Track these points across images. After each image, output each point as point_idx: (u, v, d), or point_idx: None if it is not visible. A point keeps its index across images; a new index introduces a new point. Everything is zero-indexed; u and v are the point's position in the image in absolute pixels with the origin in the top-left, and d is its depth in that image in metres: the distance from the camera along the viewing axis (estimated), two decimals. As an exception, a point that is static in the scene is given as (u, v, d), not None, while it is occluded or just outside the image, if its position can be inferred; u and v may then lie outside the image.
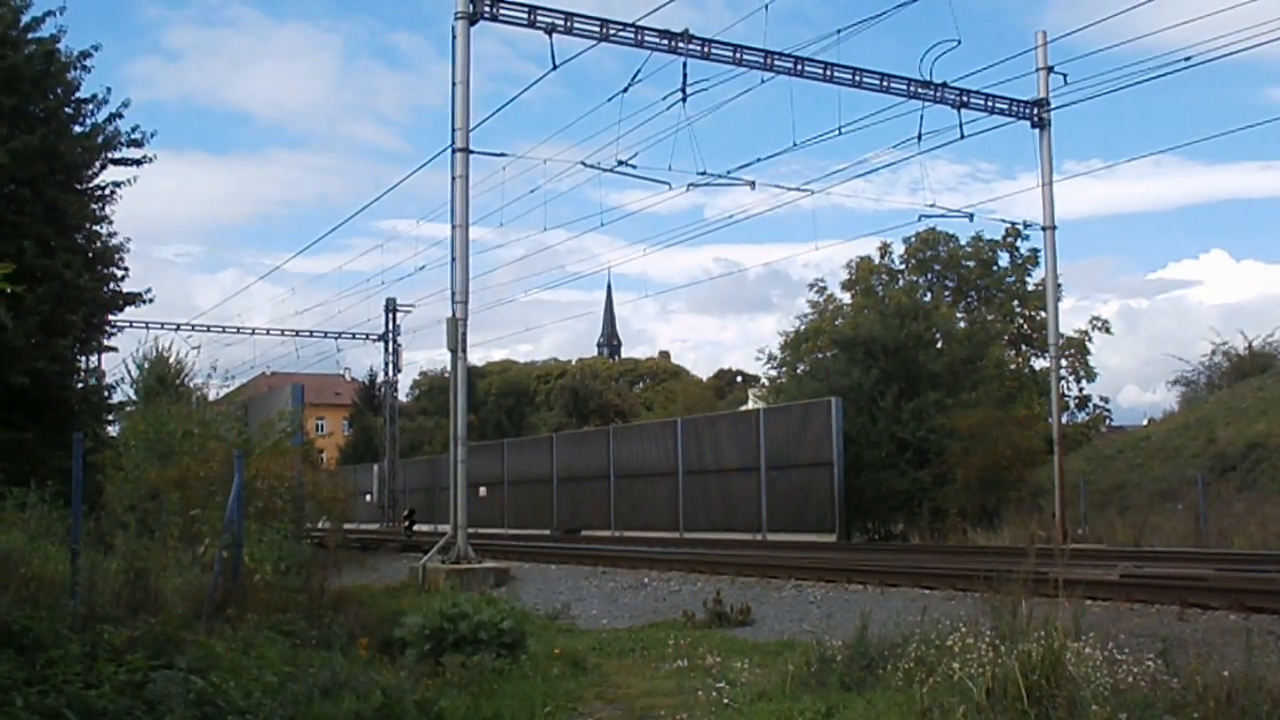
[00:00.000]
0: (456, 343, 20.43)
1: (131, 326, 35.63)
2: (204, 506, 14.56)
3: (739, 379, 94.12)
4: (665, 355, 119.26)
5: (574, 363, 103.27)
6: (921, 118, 23.81)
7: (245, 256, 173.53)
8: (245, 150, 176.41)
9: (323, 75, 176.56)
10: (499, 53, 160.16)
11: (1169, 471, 29.15)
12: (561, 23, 21.18)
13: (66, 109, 23.15)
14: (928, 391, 30.55)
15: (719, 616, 13.38)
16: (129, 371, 27.18)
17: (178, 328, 42.47)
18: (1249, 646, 7.12)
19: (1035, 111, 25.39)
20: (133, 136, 23.84)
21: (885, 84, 23.70)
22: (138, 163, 24.11)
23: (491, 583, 18.88)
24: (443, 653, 9.94)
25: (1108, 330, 48.15)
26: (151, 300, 25.60)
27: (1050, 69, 25.19)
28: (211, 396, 27.59)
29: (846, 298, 45.38)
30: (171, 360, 27.54)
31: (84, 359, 26.34)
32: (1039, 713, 6.29)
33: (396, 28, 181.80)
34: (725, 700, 8.14)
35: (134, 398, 26.19)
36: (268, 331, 46.98)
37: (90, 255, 23.82)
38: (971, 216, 27.85)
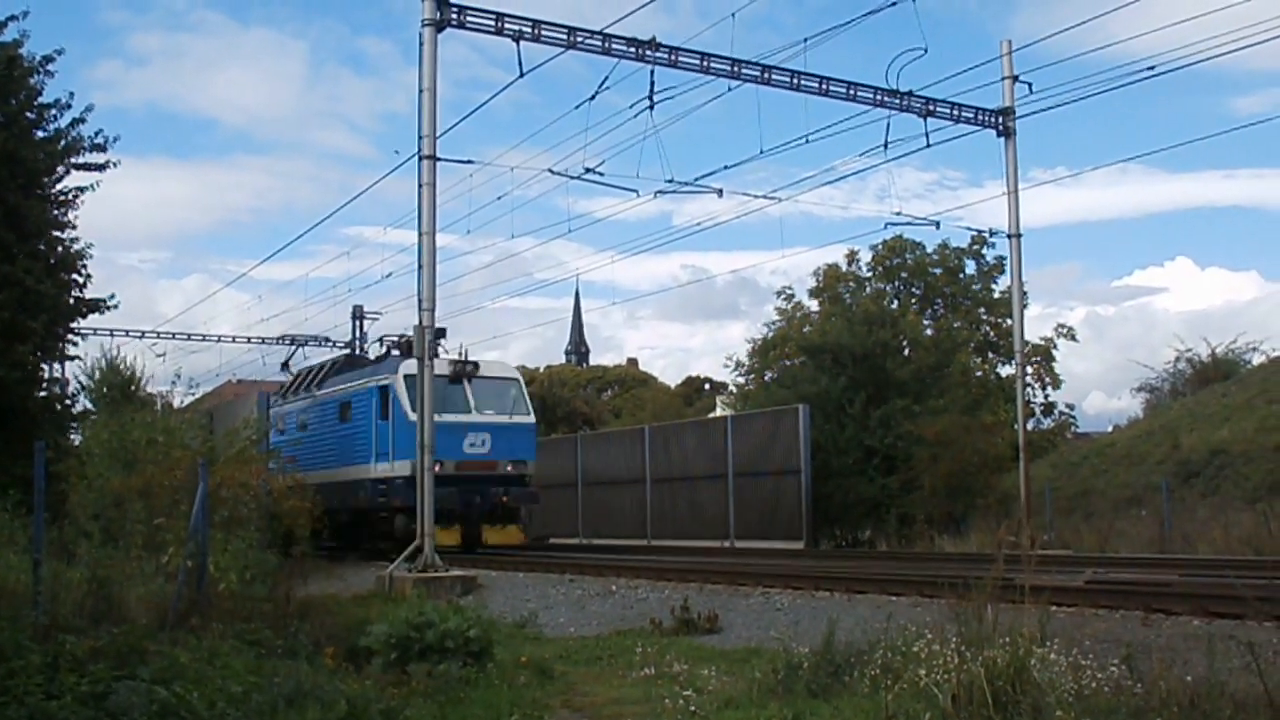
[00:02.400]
0: (424, 350, 20.36)
1: (95, 334, 35.15)
2: (168, 515, 14.46)
3: (707, 386, 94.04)
4: (633, 362, 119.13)
5: (542, 370, 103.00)
6: (888, 126, 23.87)
7: (210, 263, 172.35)
8: (211, 156, 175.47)
9: (289, 81, 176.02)
10: (467, 58, 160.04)
11: (1134, 478, 29.37)
12: (529, 30, 21.13)
13: (29, 114, 22.89)
14: (895, 398, 30.65)
15: (686, 624, 13.37)
16: (80, 383, 26.88)
17: (142, 335, 42.04)
18: (1211, 652, 7.19)
19: (1000, 120, 25.55)
20: (96, 141, 23.63)
21: (852, 92, 23.76)
22: (101, 168, 23.91)
23: (459, 591, 18.78)
24: (409, 661, 9.91)
25: (1073, 337, 48.44)
26: (115, 306, 25.23)
27: (1015, 78, 25.33)
28: (176, 404, 27.25)
29: (814, 305, 45.39)
30: (123, 367, 27.17)
31: (47, 367, 26.05)
32: (1004, 718, 6.32)
33: (363, 33, 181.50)
34: (692, 708, 8.13)
35: (90, 406, 25.92)
36: (233, 339, 46.54)
37: (52, 261, 23.54)
38: (938, 224, 27.99)
